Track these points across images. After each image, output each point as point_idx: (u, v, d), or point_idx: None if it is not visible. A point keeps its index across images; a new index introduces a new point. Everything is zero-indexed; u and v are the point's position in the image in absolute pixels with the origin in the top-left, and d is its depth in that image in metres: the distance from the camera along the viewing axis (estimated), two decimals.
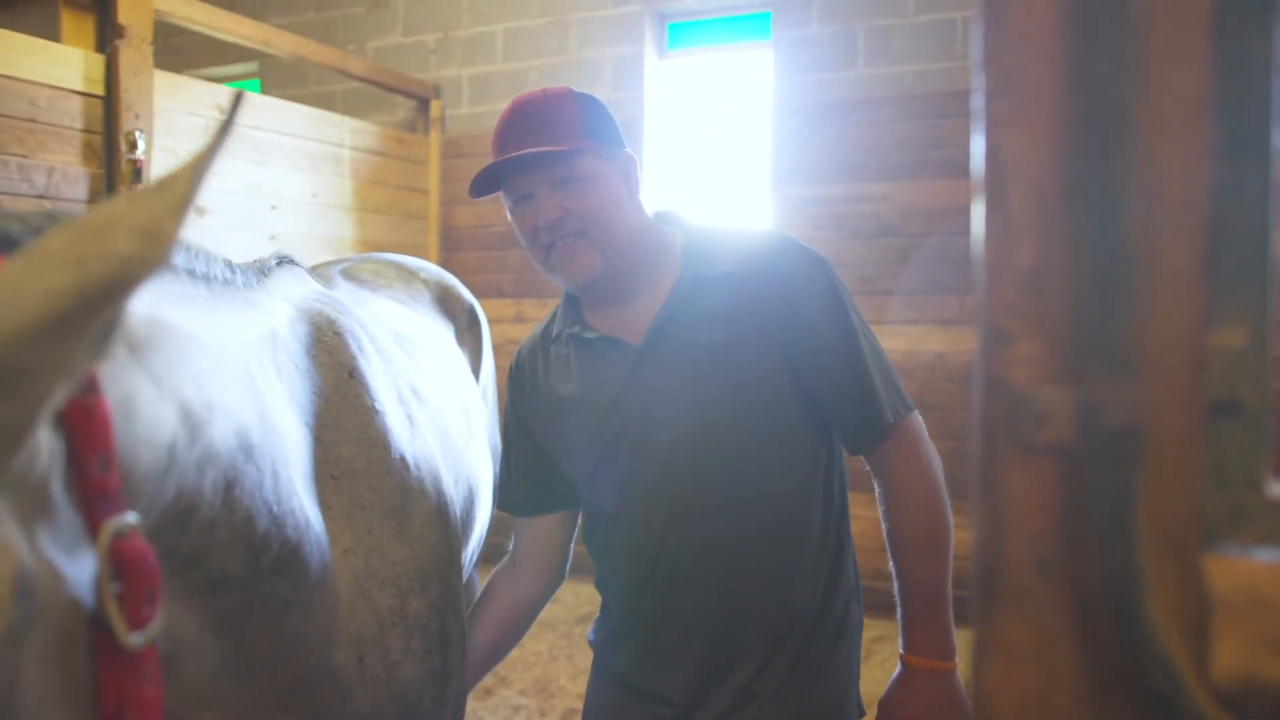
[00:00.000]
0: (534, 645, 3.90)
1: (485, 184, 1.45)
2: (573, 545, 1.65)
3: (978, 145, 0.39)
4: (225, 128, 0.62)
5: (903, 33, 4.25)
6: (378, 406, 1.29)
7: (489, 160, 1.42)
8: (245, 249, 2.43)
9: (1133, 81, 0.35)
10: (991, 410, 0.39)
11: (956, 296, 4.09)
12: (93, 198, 3.08)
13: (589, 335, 1.48)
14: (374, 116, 5.22)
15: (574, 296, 1.53)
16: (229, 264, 1.10)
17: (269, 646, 1.01)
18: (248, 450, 0.90)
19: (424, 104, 5.06)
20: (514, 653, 3.78)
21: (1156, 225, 0.36)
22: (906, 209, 4.20)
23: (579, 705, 3.31)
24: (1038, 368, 0.38)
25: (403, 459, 1.29)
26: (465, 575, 1.99)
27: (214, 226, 3.69)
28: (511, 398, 1.61)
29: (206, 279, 1.00)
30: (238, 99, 0.65)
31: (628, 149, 1.49)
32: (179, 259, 0.95)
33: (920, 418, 1.45)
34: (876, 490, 1.44)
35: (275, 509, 0.96)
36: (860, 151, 4.28)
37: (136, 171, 3.13)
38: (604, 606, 1.59)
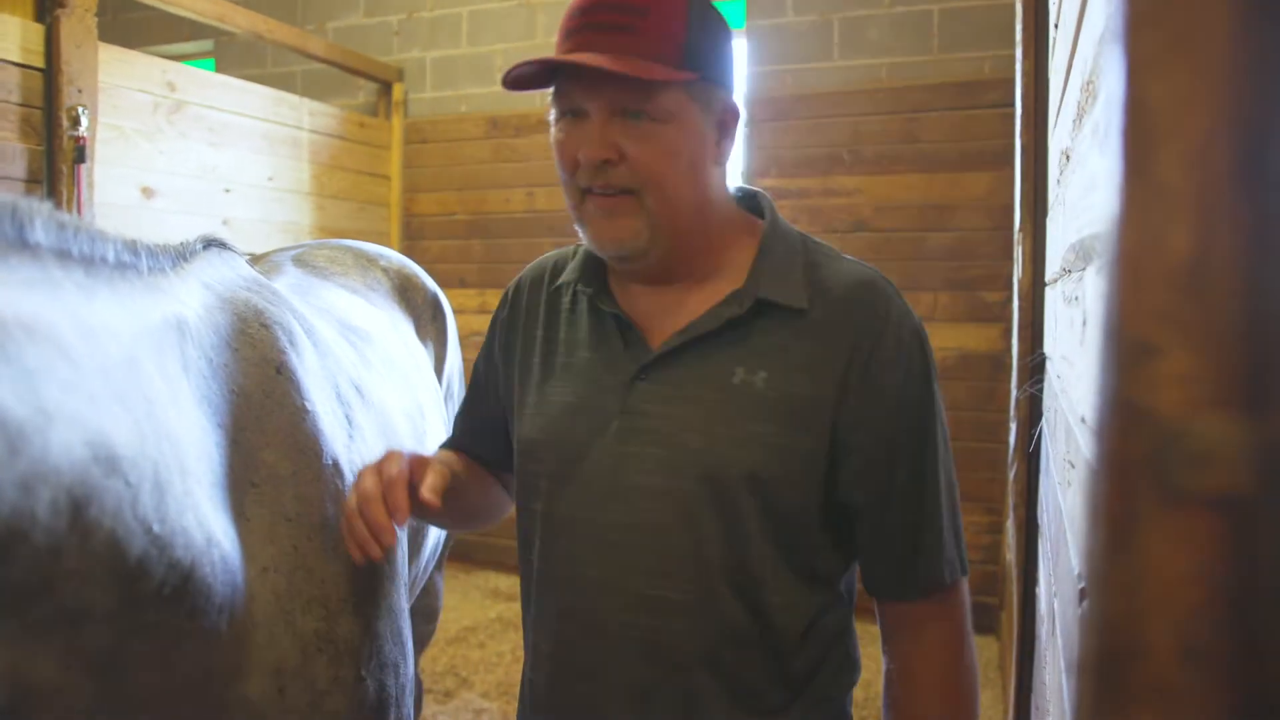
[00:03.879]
0: (496, 646, 3.79)
1: (534, 77, 1.04)
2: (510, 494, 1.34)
3: (1113, 90, 0.29)
4: None
5: (878, 24, 4.18)
6: (308, 406, 1.16)
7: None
8: (196, 234, 2.30)
9: None
10: (1127, 447, 0.29)
11: (930, 293, 4.04)
12: (31, 175, 2.91)
13: (604, 307, 1.12)
14: (334, 99, 5.05)
15: None
16: (131, 245, 0.96)
17: (161, 683, 0.90)
18: (110, 462, 0.77)
19: (386, 87, 4.91)
20: (475, 654, 3.69)
21: None
22: (880, 203, 4.14)
23: None
24: (1195, 390, 0.28)
25: (336, 464, 1.16)
26: (422, 583, 1.88)
27: (163, 210, 3.53)
28: (495, 329, 1.26)
29: (86, 261, 0.86)
30: None
31: (735, 100, 1.09)
32: (45, 237, 0.80)
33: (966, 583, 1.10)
34: (884, 649, 1.11)
35: (156, 528, 0.83)
36: (834, 144, 4.21)
37: (79, 149, 2.96)
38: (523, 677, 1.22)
